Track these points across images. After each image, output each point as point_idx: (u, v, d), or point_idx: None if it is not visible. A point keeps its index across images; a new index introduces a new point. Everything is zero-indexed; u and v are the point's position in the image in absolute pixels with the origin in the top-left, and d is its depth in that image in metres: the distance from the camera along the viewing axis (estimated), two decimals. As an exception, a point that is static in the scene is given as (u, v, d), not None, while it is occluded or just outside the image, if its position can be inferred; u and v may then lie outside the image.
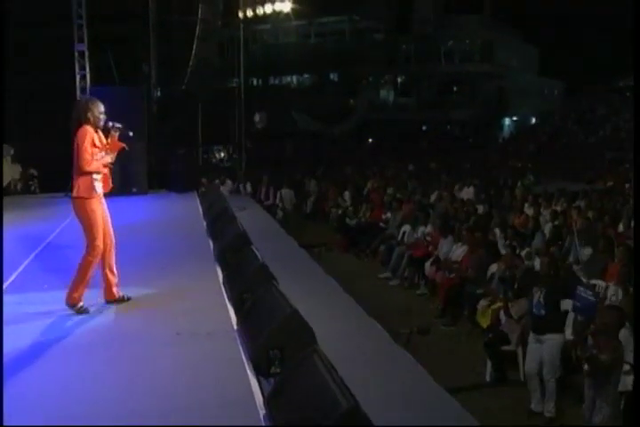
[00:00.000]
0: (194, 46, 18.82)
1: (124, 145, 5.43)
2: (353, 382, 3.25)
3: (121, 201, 12.17)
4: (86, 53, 13.88)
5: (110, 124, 5.24)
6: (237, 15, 18.30)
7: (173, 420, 3.50)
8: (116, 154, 5.39)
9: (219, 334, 4.82)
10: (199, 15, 17.43)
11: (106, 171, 5.33)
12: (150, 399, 3.75)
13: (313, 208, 16.28)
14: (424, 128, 40.65)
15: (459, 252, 9.32)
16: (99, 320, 5.16)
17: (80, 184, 5.15)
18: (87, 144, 5.00)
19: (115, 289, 5.50)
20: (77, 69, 13.95)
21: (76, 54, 13.86)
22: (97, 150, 5.15)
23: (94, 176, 5.16)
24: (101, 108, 5.16)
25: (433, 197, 14.04)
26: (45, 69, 16.83)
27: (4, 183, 13.42)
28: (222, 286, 6.06)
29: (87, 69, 13.96)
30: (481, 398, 6.09)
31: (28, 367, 4.18)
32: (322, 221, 15.24)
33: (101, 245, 5.23)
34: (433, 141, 33.39)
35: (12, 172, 13.66)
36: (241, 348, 4.55)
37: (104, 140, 5.27)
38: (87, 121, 5.07)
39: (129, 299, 5.53)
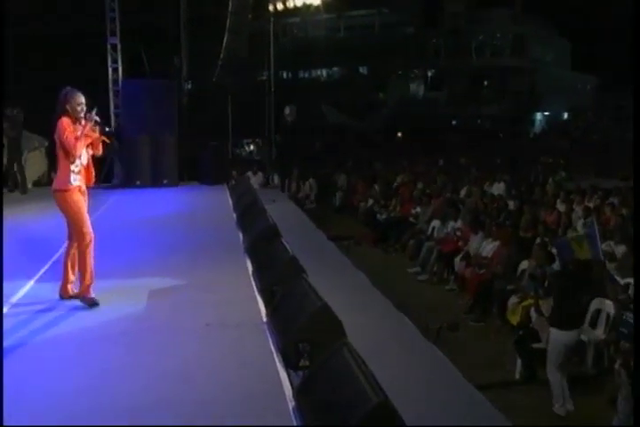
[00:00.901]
0: (224, 39, 18.85)
1: (103, 137, 5.34)
2: (382, 377, 3.23)
3: (152, 193, 12.42)
4: (119, 47, 14.02)
5: (88, 115, 5.15)
6: (267, 8, 18.31)
7: (202, 410, 3.53)
8: (97, 147, 5.33)
9: (248, 326, 4.84)
10: (230, 8, 17.43)
11: (85, 162, 5.24)
12: (179, 390, 3.77)
13: (342, 202, 16.28)
14: (454, 123, 40.28)
15: (489, 248, 9.22)
16: (129, 310, 5.21)
17: (57, 177, 5.15)
18: (68, 133, 4.98)
19: (70, 286, 5.36)
20: (110, 62, 14.10)
21: (109, 47, 14.01)
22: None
23: (72, 168, 5.09)
24: (80, 99, 5.12)
25: (463, 193, 13.91)
26: (78, 63, 17.04)
27: (38, 175, 13.65)
28: (252, 278, 6.09)
29: (119, 62, 14.10)
30: (509, 395, 6.01)
31: (61, 357, 4.25)
32: (350, 215, 15.22)
33: (90, 231, 5.17)
34: (463, 136, 33.04)
35: (44, 164, 13.86)
36: (270, 340, 4.56)
37: (87, 132, 5.16)
38: (65, 112, 5.04)
39: (92, 304, 5.23)
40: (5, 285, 5.53)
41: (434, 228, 11.12)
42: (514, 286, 7.86)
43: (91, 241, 5.19)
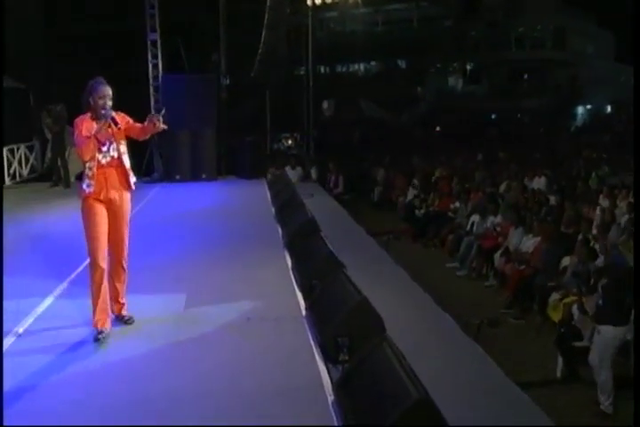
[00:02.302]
0: (262, 35, 18.90)
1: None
2: (421, 373, 3.22)
3: (191, 187, 12.57)
4: (158, 43, 14.18)
5: (104, 111, 4.30)
6: (305, 3, 18.29)
7: (241, 403, 3.55)
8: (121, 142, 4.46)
9: (288, 320, 4.85)
10: (268, 4, 17.47)
11: (107, 161, 4.38)
12: (218, 383, 3.80)
13: (380, 197, 16.22)
14: (493, 117, 39.71)
15: (529, 243, 9.09)
16: (168, 304, 5.25)
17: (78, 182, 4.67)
18: (79, 131, 4.26)
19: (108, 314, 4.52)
20: (150, 58, 14.27)
21: (149, 43, 14.17)
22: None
23: (86, 171, 4.36)
24: (103, 91, 4.31)
25: (502, 187, 13.72)
26: (119, 59, 17.30)
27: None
28: (291, 272, 6.11)
29: (159, 58, 14.26)
30: (550, 394, 5.93)
31: (105, 350, 4.33)
32: (389, 210, 15.17)
33: (101, 262, 4.28)
34: (502, 130, 32.54)
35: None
36: (309, 334, 4.57)
37: (98, 132, 4.30)
38: (88, 107, 4.34)
39: (99, 335, 4.36)
40: (41, 282, 5.63)
41: (473, 223, 11.01)
42: (555, 283, 7.74)
43: (101, 276, 4.30)
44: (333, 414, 3.47)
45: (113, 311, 4.58)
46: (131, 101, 16.13)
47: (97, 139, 4.25)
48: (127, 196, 4.51)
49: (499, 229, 10.23)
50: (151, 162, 14.03)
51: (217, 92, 15.07)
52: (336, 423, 3.38)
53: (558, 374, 6.43)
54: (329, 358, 4.18)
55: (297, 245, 6.57)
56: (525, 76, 40.98)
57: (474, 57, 41.16)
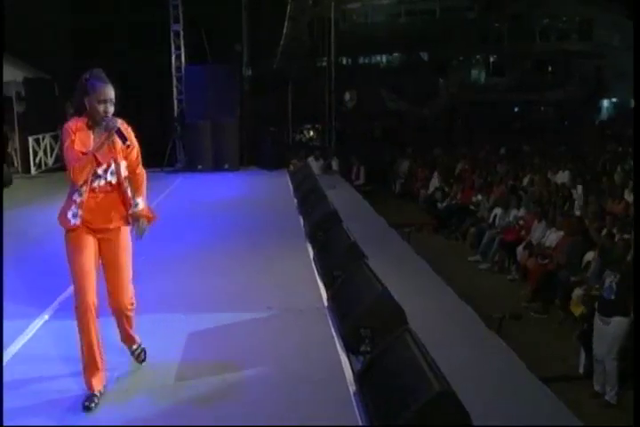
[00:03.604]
0: (285, 25, 18.88)
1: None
2: (443, 365, 3.21)
3: (213, 177, 12.64)
4: (181, 33, 14.22)
5: (107, 119, 3.28)
6: (328, -6, 18.21)
7: (263, 393, 3.57)
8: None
9: (309, 310, 4.86)
10: (290, -5, 17.45)
11: (105, 183, 3.40)
12: (240, 373, 3.82)
13: (402, 188, 16.17)
14: (517, 109, 39.28)
15: (552, 237, 9.00)
16: (191, 291, 5.31)
17: (62, 208, 3.40)
18: (69, 142, 3.25)
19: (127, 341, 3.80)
20: (173, 49, 14.32)
21: (172, 34, 14.22)
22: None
23: (74, 196, 3.33)
24: (104, 93, 3.28)
25: (525, 181, 13.59)
26: (142, 49, 17.39)
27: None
28: (313, 262, 6.12)
29: (182, 49, 14.31)
30: (572, 389, 5.89)
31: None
32: (410, 202, 15.12)
33: (87, 301, 3.30)
34: (526, 123, 32.20)
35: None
36: (331, 324, 4.58)
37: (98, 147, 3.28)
38: (80, 110, 3.32)
39: (89, 402, 3.34)
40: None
41: (495, 216, 10.93)
42: (578, 278, 7.66)
43: (89, 321, 3.31)
44: (355, 404, 3.48)
45: (122, 341, 3.78)
46: (153, 92, 16.34)
47: (95, 158, 3.23)
48: (125, 230, 3.51)
49: (521, 222, 10.14)
50: (174, 152, 14.11)
51: (239, 83, 15.11)
52: (357, 414, 3.38)
53: (581, 370, 6.37)
54: (350, 349, 4.19)
55: (319, 236, 6.58)
56: (550, 68, 40.43)
57: (497, 49, 40.66)
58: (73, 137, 3.26)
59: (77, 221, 3.33)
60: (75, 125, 3.30)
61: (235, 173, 13.20)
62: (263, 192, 11.03)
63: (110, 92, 3.31)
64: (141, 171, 3.58)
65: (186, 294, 5.26)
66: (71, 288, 3.42)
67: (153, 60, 15.85)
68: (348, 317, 4.45)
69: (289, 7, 18.60)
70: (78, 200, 3.33)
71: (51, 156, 14.39)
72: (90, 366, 3.38)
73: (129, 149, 3.40)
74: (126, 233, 3.54)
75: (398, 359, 3.56)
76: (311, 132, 26.20)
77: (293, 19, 19.16)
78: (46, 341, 4.26)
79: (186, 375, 3.77)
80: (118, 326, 3.66)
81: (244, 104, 15.23)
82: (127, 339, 3.78)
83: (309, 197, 8.67)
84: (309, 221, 7.54)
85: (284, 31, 19.08)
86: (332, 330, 4.48)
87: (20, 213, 8.70)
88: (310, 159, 14.96)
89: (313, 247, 6.57)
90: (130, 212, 3.50)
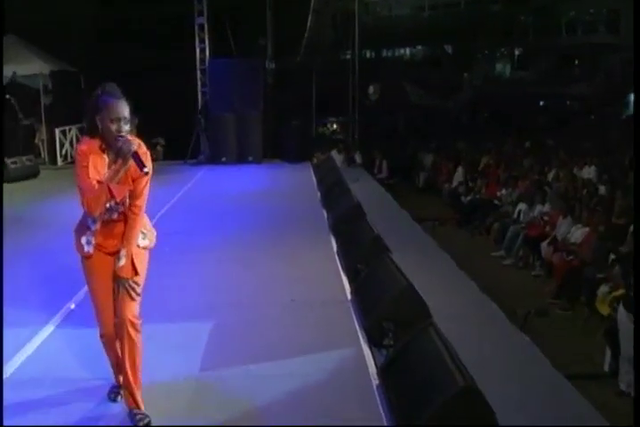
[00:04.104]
0: (308, 19, 18.83)
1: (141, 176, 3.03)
2: (467, 360, 3.20)
3: (237, 169, 12.70)
4: (206, 27, 14.26)
5: (122, 140, 2.93)
6: (351, -13, 18.10)
7: (287, 385, 3.58)
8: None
9: (333, 303, 4.87)
10: (314, -12, 17.39)
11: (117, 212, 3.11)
12: (263, 364, 3.84)
13: (425, 182, 16.09)
14: (542, 103, 38.82)
15: (578, 233, 8.88)
16: (215, 283, 5.34)
17: (76, 226, 3.21)
18: (82, 168, 2.95)
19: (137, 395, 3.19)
20: (197, 42, 14.38)
21: (196, 28, 14.27)
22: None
23: (88, 222, 3.12)
24: (118, 111, 2.96)
25: (551, 176, 13.43)
26: (167, 42, 17.47)
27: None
28: (336, 255, 6.12)
29: (207, 42, 14.36)
30: (597, 388, 5.81)
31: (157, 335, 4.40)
32: (434, 196, 15.03)
33: (103, 323, 3.21)
34: (551, 117, 31.80)
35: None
36: (355, 318, 4.57)
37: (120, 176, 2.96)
38: (93, 130, 3.01)
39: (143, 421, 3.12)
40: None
41: (520, 211, 10.82)
42: (605, 275, 7.55)
43: (104, 336, 3.24)
44: (378, 397, 3.47)
45: (124, 386, 3.26)
46: (178, 85, 16.39)
47: (109, 190, 2.93)
48: (142, 253, 3.21)
49: (546, 218, 10.01)
50: (197, 144, 14.19)
51: (263, 77, 15.13)
52: (380, 407, 3.38)
53: (606, 368, 6.29)
54: (373, 343, 4.18)
55: (342, 230, 6.57)
56: (576, 62, 39.86)
57: (522, 42, 40.18)
58: (85, 163, 2.95)
59: (91, 249, 3.13)
60: (87, 148, 2.99)
61: (258, 165, 13.25)
62: (287, 185, 11.06)
63: (124, 110, 2.98)
64: (142, 204, 3.10)
65: (210, 285, 5.29)
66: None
67: (178, 53, 15.91)
68: (371, 310, 4.45)
69: (313, 0, 18.54)
70: (92, 228, 3.12)
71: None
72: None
73: (148, 174, 3.00)
74: (142, 255, 3.22)
75: (422, 353, 3.55)
76: (334, 126, 26.14)
77: (317, 12, 19.10)
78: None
79: (209, 366, 3.79)
80: (122, 354, 3.15)
81: (268, 97, 15.25)
82: (129, 392, 3.17)
83: (333, 190, 8.67)
84: (333, 213, 7.54)
85: (308, 24, 19.02)
86: (356, 323, 4.47)
87: (47, 203, 8.85)
88: (333, 152, 14.95)
89: (336, 240, 6.57)
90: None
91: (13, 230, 7.27)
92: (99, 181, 2.92)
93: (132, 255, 3.10)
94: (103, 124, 2.96)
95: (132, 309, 3.11)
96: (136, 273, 3.11)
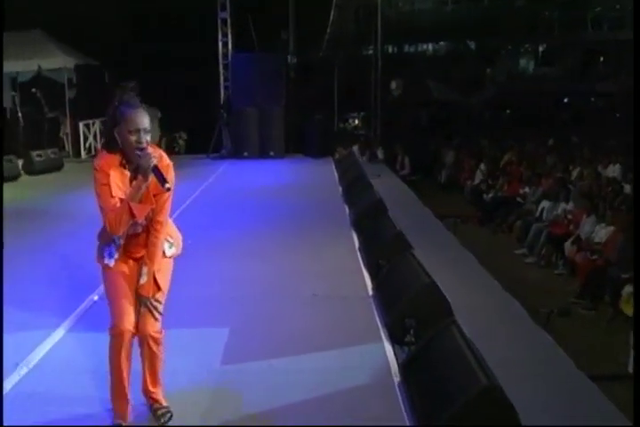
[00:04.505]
0: (331, 13, 18.77)
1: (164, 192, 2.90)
2: (489, 358, 3.16)
3: (259, 164, 12.73)
4: (229, 21, 14.29)
5: (142, 154, 2.79)
6: (374, -19, 17.97)
7: (309, 380, 3.57)
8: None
9: (354, 299, 4.86)
10: (337, -18, 17.32)
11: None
12: (284, 359, 3.84)
13: (447, 179, 15.99)
14: (566, 100, 38.37)
15: (602, 232, 8.76)
16: (237, 276, 5.34)
17: (100, 236, 3.06)
18: (103, 188, 2.81)
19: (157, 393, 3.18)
20: (220, 37, 14.41)
21: (219, 22, 14.29)
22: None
23: (115, 237, 2.97)
24: (138, 122, 2.82)
25: (574, 174, 13.27)
26: (189, 36, 17.53)
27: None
28: (358, 251, 6.10)
29: (229, 36, 14.38)
30: (620, 389, 5.73)
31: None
32: (456, 192, 14.93)
33: (124, 332, 2.95)
34: (575, 114, 31.42)
35: (156, 134, 14.50)
36: (376, 313, 4.55)
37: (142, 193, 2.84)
38: (111, 142, 2.87)
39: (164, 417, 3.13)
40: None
41: (543, 209, 10.71)
42: (629, 275, 7.45)
43: (120, 346, 2.97)
44: (399, 395, 3.45)
45: (144, 393, 3.19)
46: (201, 80, 16.45)
47: (130, 210, 2.80)
48: (167, 263, 3.13)
49: (570, 216, 9.90)
50: (220, 138, 14.24)
51: (286, 71, 15.12)
52: (402, 405, 3.36)
53: (630, 368, 6.21)
54: (395, 339, 4.16)
55: (364, 225, 6.55)
56: (601, 58, 39.32)
57: (547, 38, 39.73)
58: (105, 181, 2.79)
59: (112, 262, 3.01)
60: (106, 164, 2.81)
61: (280, 160, 13.26)
62: (308, 180, 11.06)
63: (144, 120, 2.83)
64: (163, 218, 2.98)
65: (231, 279, 5.31)
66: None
67: (200, 48, 15.97)
68: (393, 307, 4.43)
69: (335, -5, 18.49)
70: (117, 242, 2.99)
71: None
72: (116, 394, 3.07)
73: (170, 190, 2.86)
74: (168, 262, 3.13)
75: (444, 351, 3.52)
76: (356, 121, 26.09)
77: (340, 6, 19.03)
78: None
79: (231, 360, 3.80)
80: (143, 361, 3.08)
81: (290, 92, 15.25)
82: (152, 383, 3.14)
83: (355, 186, 8.65)
84: (355, 209, 7.52)
85: (331, 19, 18.96)
86: (377, 319, 4.46)
87: (72, 196, 8.94)
88: (356, 147, 14.92)
89: (358, 236, 6.55)
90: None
91: (39, 223, 7.37)
92: (121, 199, 2.80)
93: (153, 273, 2.98)
94: (122, 137, 2.82)
95: (154, 325, 3.01)
96: (158, 289, 3.00)
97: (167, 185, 2.80)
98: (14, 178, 11.05)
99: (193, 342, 4.02)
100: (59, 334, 4.17)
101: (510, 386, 3.01)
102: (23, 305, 4.60)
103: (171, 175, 2.88)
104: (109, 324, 2.98)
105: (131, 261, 3.05)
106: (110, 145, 2.86)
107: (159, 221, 2.97)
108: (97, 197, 2.82)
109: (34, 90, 13.66)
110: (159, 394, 3.15)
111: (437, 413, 3.09)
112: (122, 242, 2.99)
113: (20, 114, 13.46)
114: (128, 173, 2.85)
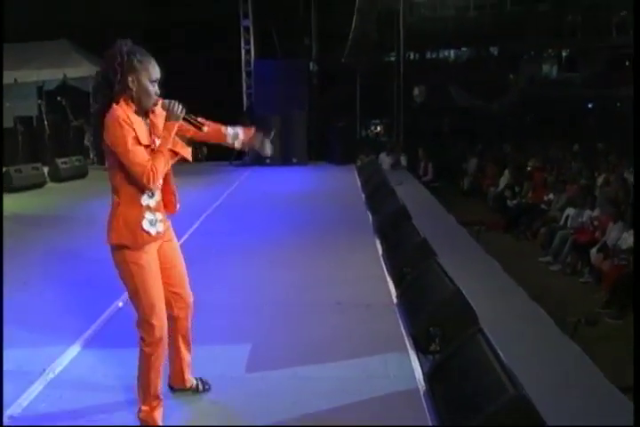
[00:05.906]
0: (353, 19, 18.79)
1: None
2: (515, 368, 3.12)
3: (282, 171, 12.76)
4: (251, 28, 14.40)
5: (164, 102, 2.74)
6: (396, -12, 17.98)
7: (330, 388, 3.55)
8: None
9: (378, 307, 4.83)
10: (359, -12, 17.33)
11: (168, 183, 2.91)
12: (309, 366, 3.82)
13: (470, 186, 15.90)
14: (590, 105, 37.96)
15: (630, 240, 8.63)
16: (259, 283, 5.35)
17: (114, 218, 2.80)
18: (130, 144, 2.61)
19: (186, 374, 3.31)
20: (242, 44, 14.52)
21: (242, 29, 14.40)
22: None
23: (143, 200, 2.76)
24: (158, 72, 2.73)
25: (600, 180, 13.10)
26: (212, 44, 17.68)
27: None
28: (382, 258, 6.07)
29: (252, 43, 14.49)
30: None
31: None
32: (479, 199, 14.82)
33: (161, 323, 2.85)
34: (600, 120, 31.06)
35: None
36: (400, 321, 4.52)
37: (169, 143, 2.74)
38: (122, 92, 2.68)
39: (205, 388, 3.37)
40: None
41: (568, 216, 10.58)
42: (659, 283, 7.32)
43: (159, 341, 2.86)
44: (425, 403, 3.42)
45: (174, 385, 3.28)
46: (223, 87, 16.57)
47: (175, 153, 2.73)
48: (170, 225, 3.01)
49: (596, 223, 9.76)
50: (242, 146, 14.32)
51: (308, 77, 15.18)
52: (427, 414, 3.33)
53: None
54: (420, 348, 4.12)
55: (388, 232, 6.53)
56: (627, 63, 38.86)
57: (570, 43, 39.36)
58: (133, 133, 2.62)
59: (160, 229, 2.81)
60: (127, 116, 2.63)
61: (303, 167, 13.29)
62: (331, 187, 11.06)
63: (159, 71, 2.74)
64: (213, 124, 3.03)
65: (254, 286, 5.31)
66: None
67: (223, 55, 16.10)
68: (417, 315, 4.39)
69: (357, 1, 18.48)
70: (153, 204, 2.78)
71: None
72: (146, 395, 2.96)
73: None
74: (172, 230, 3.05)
75: (470, 360, 3.48)
76: (379, 128, 26.07)
77: (362, 13, 19.02)
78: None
79: (256, 368, 3.79)
80: (182, 332, 3.11)
81: (313, 99, 15.30)
82: (186, 368, 3.24)
83: (378, 193, 8.63)
84: (378, 216, 7.50)
85: (353, 25, 18.96)
86: (402, 327, 4.42)
87: (97, 202, 9.01)
88: (383, 154, 14.91)
89: (382, 243, 6.53)
90: (232, 141, 3.14)
91: (65, 229, 7.47)
92: (153, 150, 2.69)
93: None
94: (141, 86, 2.67)
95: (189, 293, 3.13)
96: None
97: (204, 128, 2.87)
98: (40, 185, 11.21)
99: (216, 349, 4.01)
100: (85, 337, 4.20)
101: (538, 396, 2.96)
102: (51, 311, 4.66)
103: (198, 117, 2.89)
104: (148, 326, 2.81)
105: (155, 251, 2.88)
106: (126, 95, 2.68)
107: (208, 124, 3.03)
108: (127, 153, 2.61)
109: (59, 98, 13.85)
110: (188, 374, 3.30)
111: (464, 423, 3.05)
112: (158, 198, 2.82)
113: (46, 122, 13.67)
114: (145, 126, 2.75)
